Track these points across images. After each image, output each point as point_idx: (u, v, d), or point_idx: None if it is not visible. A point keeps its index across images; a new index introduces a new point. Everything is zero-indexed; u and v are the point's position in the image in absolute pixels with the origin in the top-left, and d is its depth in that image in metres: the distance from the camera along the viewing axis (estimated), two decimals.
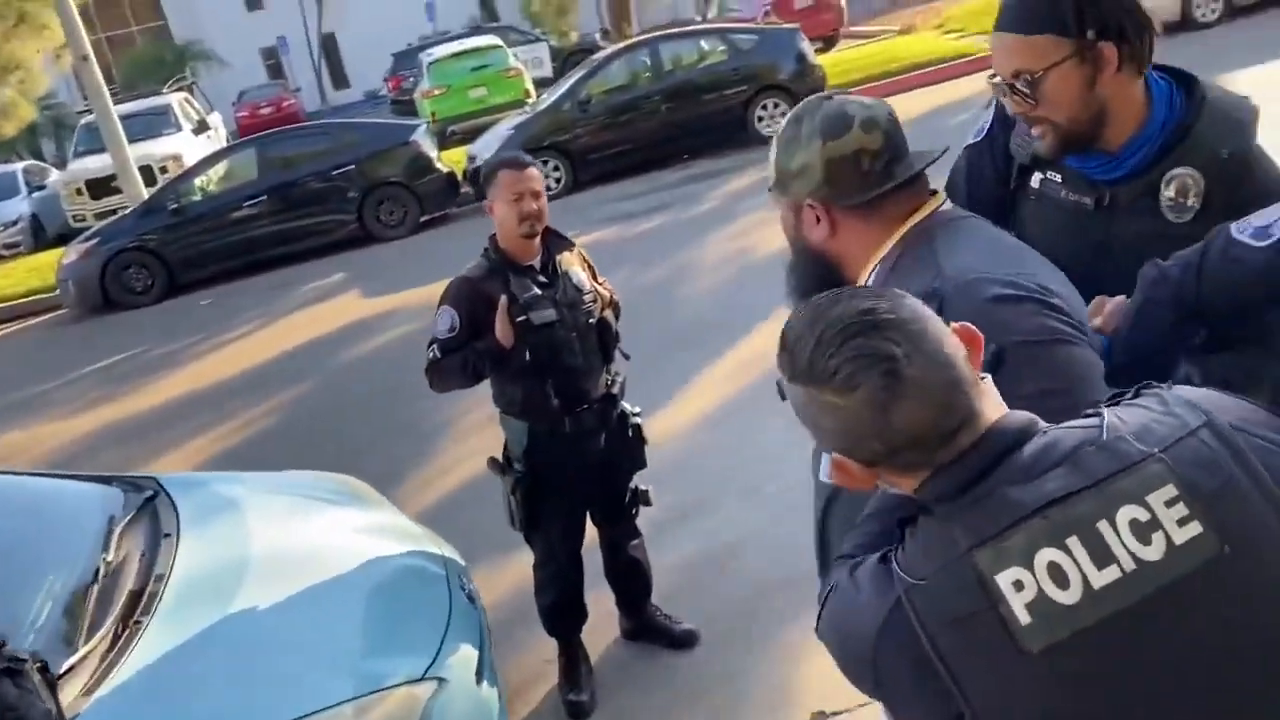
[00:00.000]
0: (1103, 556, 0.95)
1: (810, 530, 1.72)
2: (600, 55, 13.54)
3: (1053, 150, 1.69)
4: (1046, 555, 0.95)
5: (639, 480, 3.38)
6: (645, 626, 3.51)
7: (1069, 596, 0.95)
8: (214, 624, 2.50)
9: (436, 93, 17.77)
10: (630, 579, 3.46)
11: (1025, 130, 1.76)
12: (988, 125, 1.92)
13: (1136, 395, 1.09)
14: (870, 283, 1.54)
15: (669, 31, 14.22)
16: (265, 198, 11.71)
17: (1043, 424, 1.06)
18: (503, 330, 2.97)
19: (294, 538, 2.97)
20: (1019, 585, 0.95)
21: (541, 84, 18.38)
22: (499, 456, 3.24)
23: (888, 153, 1.52)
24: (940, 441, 1.03)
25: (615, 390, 3.22)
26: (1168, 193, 1.65)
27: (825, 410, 1.05)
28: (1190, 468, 0.98)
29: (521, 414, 3.10)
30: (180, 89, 22.06)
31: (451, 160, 12.92)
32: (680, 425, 5.10)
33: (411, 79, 21.54)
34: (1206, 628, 0.95)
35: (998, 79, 1.69)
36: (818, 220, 1.54)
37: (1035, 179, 1.83)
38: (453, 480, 5.18)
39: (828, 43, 19.96)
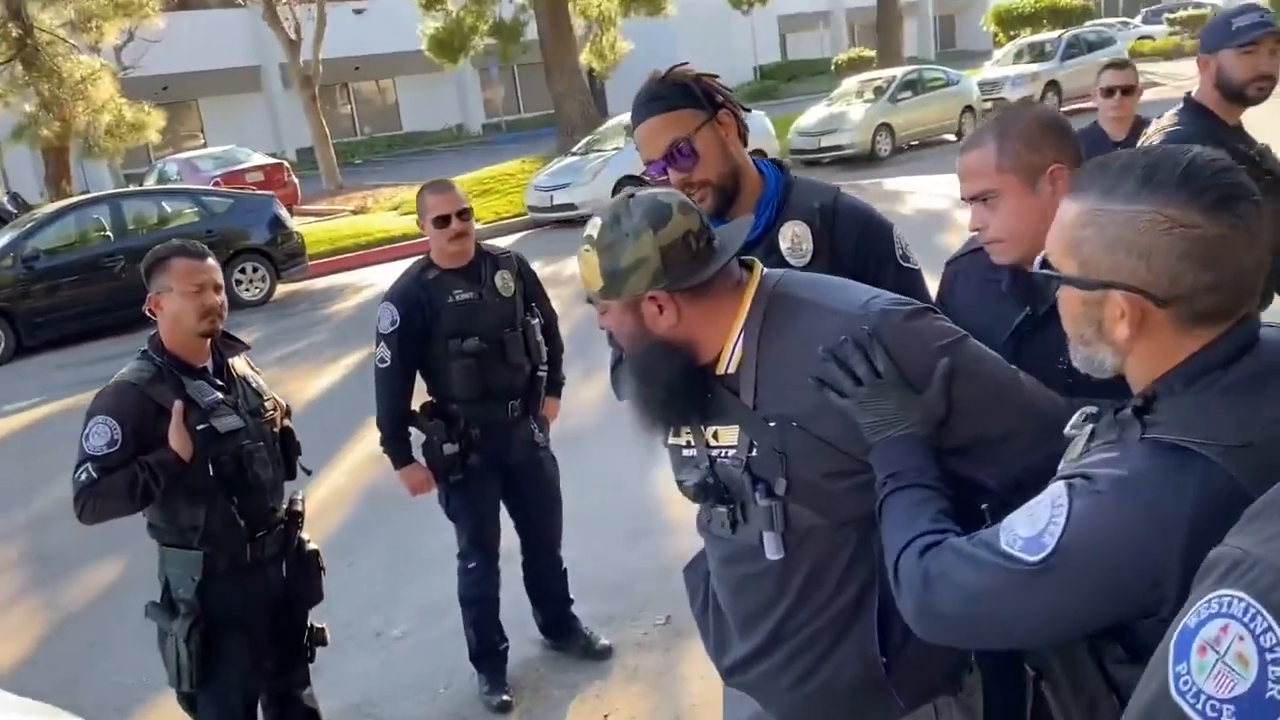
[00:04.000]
0: None
1: None
2: (47, 210, 12.06)
3: (714, 209, 2.06)
4: None
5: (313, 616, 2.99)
6: None
7: None
8: None
9: None
10: None
11: None
12: None
13: None
14: (738, 350, 1.58)
15: (131, 190, 13.13)
16: None
17: None
18: (180, 440, 2.54)
19: None
20: None
21: None
22: (158, 600, 2.68)
23: (706, 231, 1.59)
24: (1250, 294, 1.18)
25: (299, 508, 2.87)
26: (784, 244, 2.10)
27: (1172, 232, 1.13)
28: None
29: (201, 542, 2.62)
30: None
31: None
32: None
33: None
34: None
35: (651, 172, 2.07)
36: (660, 310, 1.56)
37: None
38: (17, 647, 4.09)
39: None
